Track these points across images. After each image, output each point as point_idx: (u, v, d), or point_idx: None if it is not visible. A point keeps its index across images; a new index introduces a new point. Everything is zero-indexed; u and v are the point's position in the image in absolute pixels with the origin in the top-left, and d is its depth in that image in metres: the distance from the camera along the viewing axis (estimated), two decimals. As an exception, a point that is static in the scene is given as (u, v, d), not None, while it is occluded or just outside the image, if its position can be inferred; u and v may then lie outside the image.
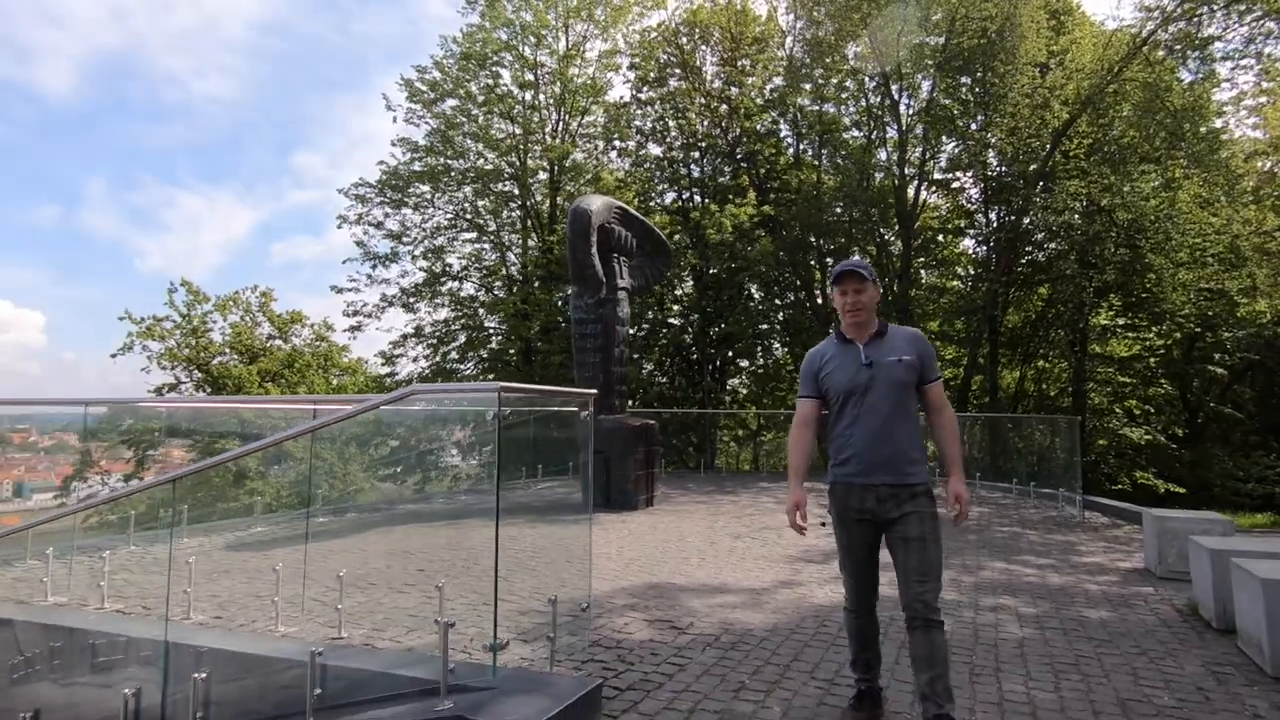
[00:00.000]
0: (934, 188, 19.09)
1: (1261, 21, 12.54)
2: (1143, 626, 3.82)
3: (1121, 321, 17.77)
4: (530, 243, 18.85)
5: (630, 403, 15.56)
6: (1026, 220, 15.65)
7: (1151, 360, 17.82)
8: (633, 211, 9.19)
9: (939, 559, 2.44)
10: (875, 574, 2.61)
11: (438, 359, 19.06)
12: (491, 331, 19.17)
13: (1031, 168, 15.92)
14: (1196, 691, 2.90)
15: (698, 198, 19.25)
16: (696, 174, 19.73)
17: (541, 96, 18.50)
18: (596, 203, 8.17)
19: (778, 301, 19.55)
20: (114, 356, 29.84)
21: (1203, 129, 14.44)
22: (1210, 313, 14.88)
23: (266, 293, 32.71)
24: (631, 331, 14.10)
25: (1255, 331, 15.97)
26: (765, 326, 19.01)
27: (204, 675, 2.99)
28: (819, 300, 18.67)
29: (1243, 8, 12.24)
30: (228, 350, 29.62)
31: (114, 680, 3.59)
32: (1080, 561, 5.51)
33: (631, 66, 19.73)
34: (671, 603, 4.27)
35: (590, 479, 3.97)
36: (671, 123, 19.52)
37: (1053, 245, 15.93)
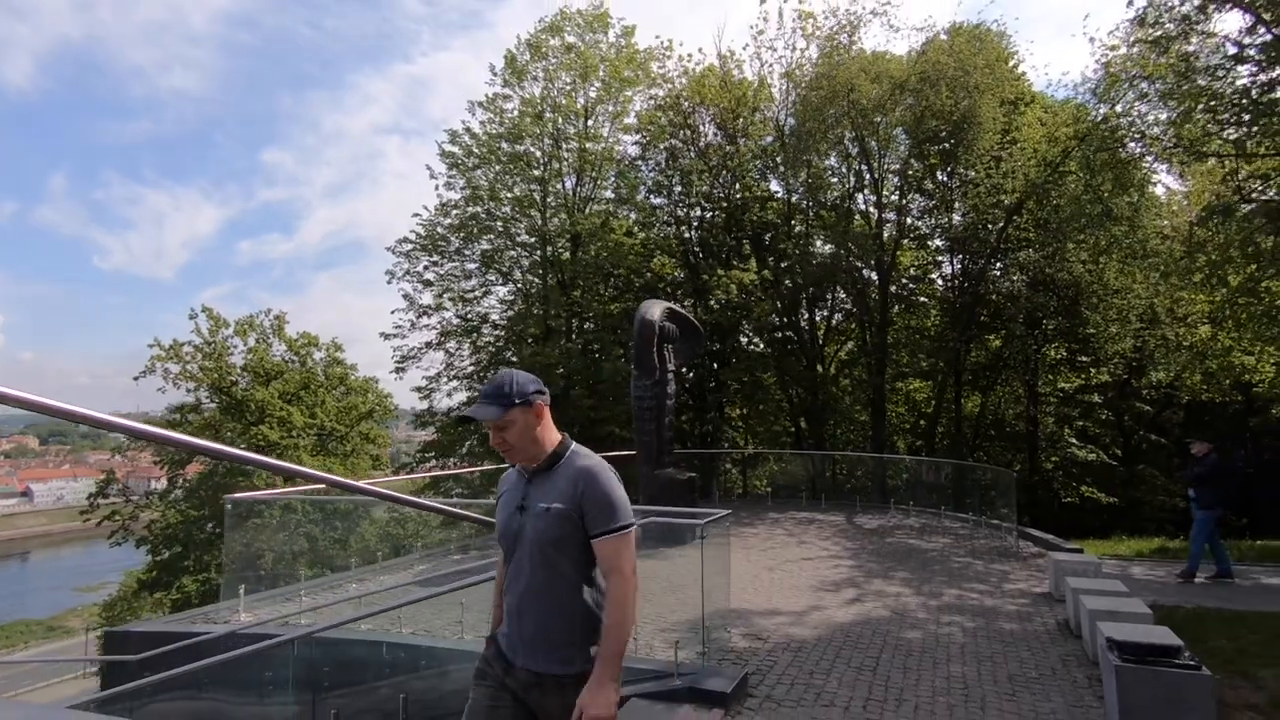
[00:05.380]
0: (909, 234, 21.88)
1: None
2: (1034, 633, 6.40)
3: (1065, 354, 20.85)
4: (549, 281, 21.19)
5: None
6: (980, 288, 18.51)
7: (1095, 397, 20.87)
8: (676, 308, 11.70)
9: None
10: None
11: (469, 390, 21.40)
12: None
13: (990, 237, 18.79)
14: (1052, 671, 5.46)
15: (699, 251, 21.85)
16: (699, 233, 22.28)
17: (560, 165, 20.97)
18: (656, 311, 10.66)
19: (772, 349, 22.18)
20: (136, 379, 31.58)
21: (1131, 200, 17.32)
22: (1135, 363, 17.85)
23: (280, 316, 34.66)
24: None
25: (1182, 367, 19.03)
26: (765, 375, 21.61)
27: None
28: (804, 327, 21.45)
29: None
30: (243, 374, 31.43)
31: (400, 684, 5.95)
32: (1008, 587, 8.12)
33: (638, 130, 22.24)
34: (748, 622, 6.75)
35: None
36: (678, 186, 22.08)
37: (1005, 310, 18.84)
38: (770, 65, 21.38)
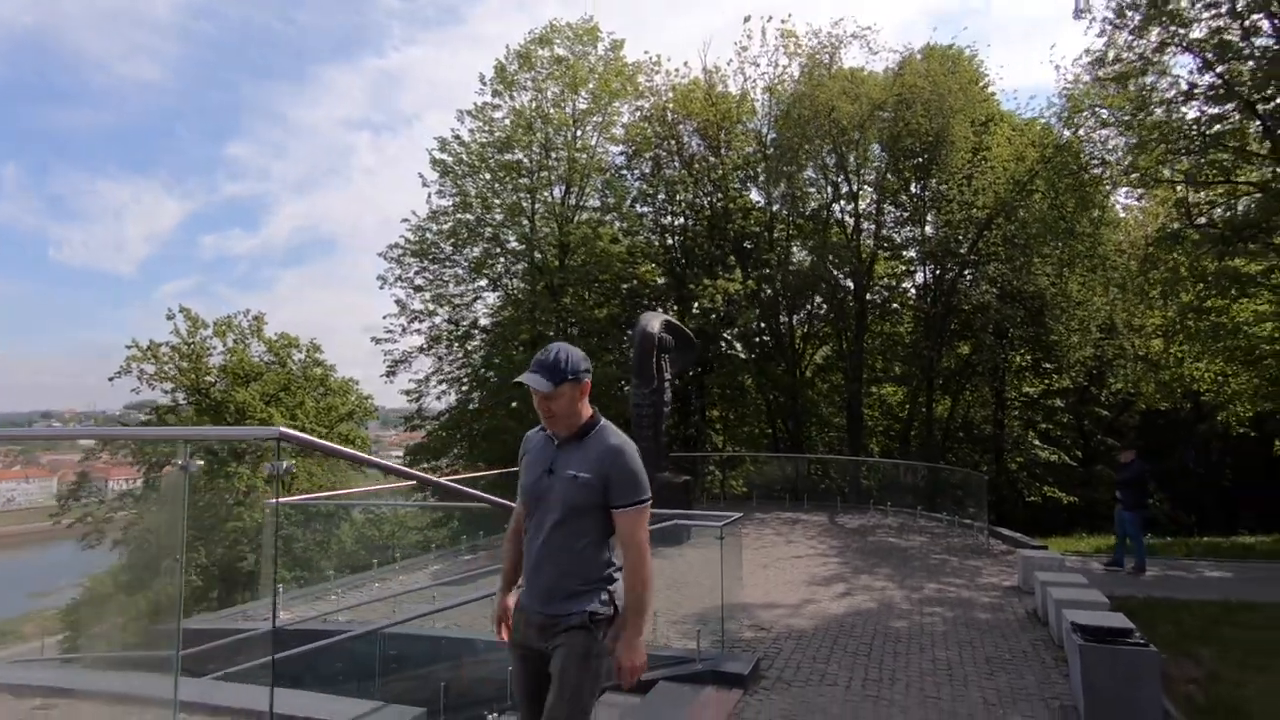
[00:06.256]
0: (884, 245, 22.81)
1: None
2: (1006, 622, 7.15)
3: (1030, 361, 21.98)
4: (538, 288, 21.68)
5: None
6: (953, 299, 19.50)
7: (1058, 401, 22.02)
8: (672, 320, 12.33)
9: (574, 713, 2.22)
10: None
11: (463, 397, 21.76)
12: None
13: (961, 250, 19.77)
14: (1023, 654, 6.19)
15: (683, 259, 22.53)
16: (682, 241, 22.94)
17: (549, 174, 21.47)
18: (656, 324, 11.28)
19: (753, 353, 22.95)
20: (111, 380, 31.30)
21: (1092, 217, 18.40)
22: (1095, 370, 18.97)
23: (259, 317, 34.44)
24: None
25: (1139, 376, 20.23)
26: (745, 379, 22.36)
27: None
28: (783, 333, 22.26)
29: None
30: (219, 375, 31.22)
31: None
32: (982, 581, 8.90)
33: (625, 140, 22.84)
34: (751, 614, 7.39)
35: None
36: (661, 195, 22.72)
37: (975, 320, 19.86)
38: (753, 80, 22.17)
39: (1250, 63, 11.98)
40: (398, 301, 21.58)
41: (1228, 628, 6.94)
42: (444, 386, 22.04)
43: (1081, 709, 4.70)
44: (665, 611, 6.86)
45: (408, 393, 22.64)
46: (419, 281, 21.51)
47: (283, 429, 2.20)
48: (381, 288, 21.88)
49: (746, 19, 26.51)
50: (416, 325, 21.68)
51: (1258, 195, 12.47)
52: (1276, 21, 11.68)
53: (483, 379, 21.82)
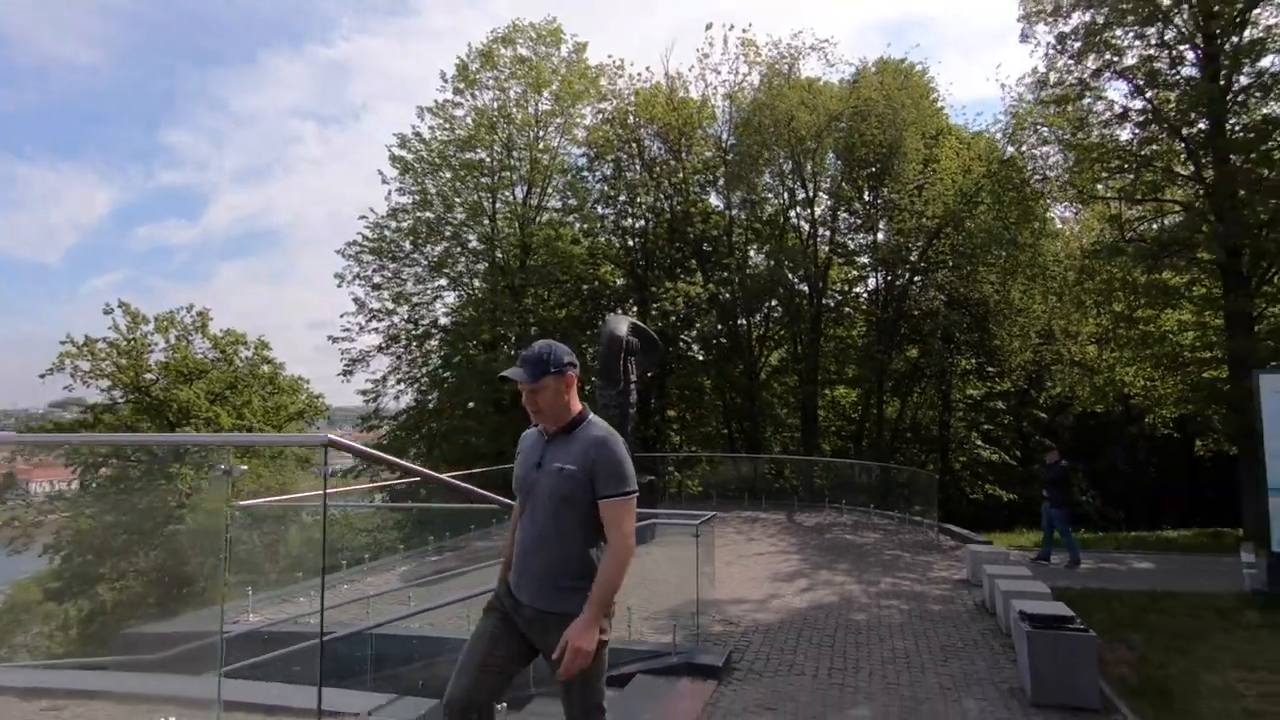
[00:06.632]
0: (838, 250, 23.51)
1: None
2: (957, 613, 7.60)
3: (975, 365, 22.98)
4: (499, 286, 21.63)
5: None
6: (904, 304, 20.30)
7: (999, 404, 23.07)
8: (638, 323, 12.55)
9: (592, 698, 2.37)
10: (495, 675, 2.38)
11: (421, 397, 21.55)
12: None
13: (912, 258, 20.58)
14: (974, 642, 6.62)
15: (643, 261, 22.80)
16: (643, 243, 23.21)
17: (511, 174, 21.46)
18: (624, 327, 11.47)
19: (711, 354, 23.37)
20: (42, 377, 29.96)
21: (1033, 229, 19.38)
22: (1034, 374, 19.99)
23: (203, 313, 33.29)
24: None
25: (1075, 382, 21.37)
26: (704, 379, 22.76)
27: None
28: (741, 335, 22.74)
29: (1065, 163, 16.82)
30: (160, 372, 30.11)
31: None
32: (933, 575, 9.39)
33: (587, 142, 22.97)
34: (719, 609, 7.66)
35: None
36: (622, 197, 22.94)
37: (924, 325, 20.71)
38: (714, 87, 22.60)
39: (1176, 90, 12.90)
40: (356, 300, 21.28)
41: (1154, 615, 7.54)
42: (401, 386, 21.81)
43: (1028, 690, 5.12)
44: (638, 608, 7.08)
45: (364, 392, 22.31)
46: (377, 280, 21.23)
47: (330, 436, 2.32)
48: (339, 285, 21.52)
49: (708, 27, 27.09)
50: (375, 324, 21.40)
51: (1182, 213, 13.40)
52: (1199, 53, 12.59)
53: (441, 379, 21.67)
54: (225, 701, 3.25)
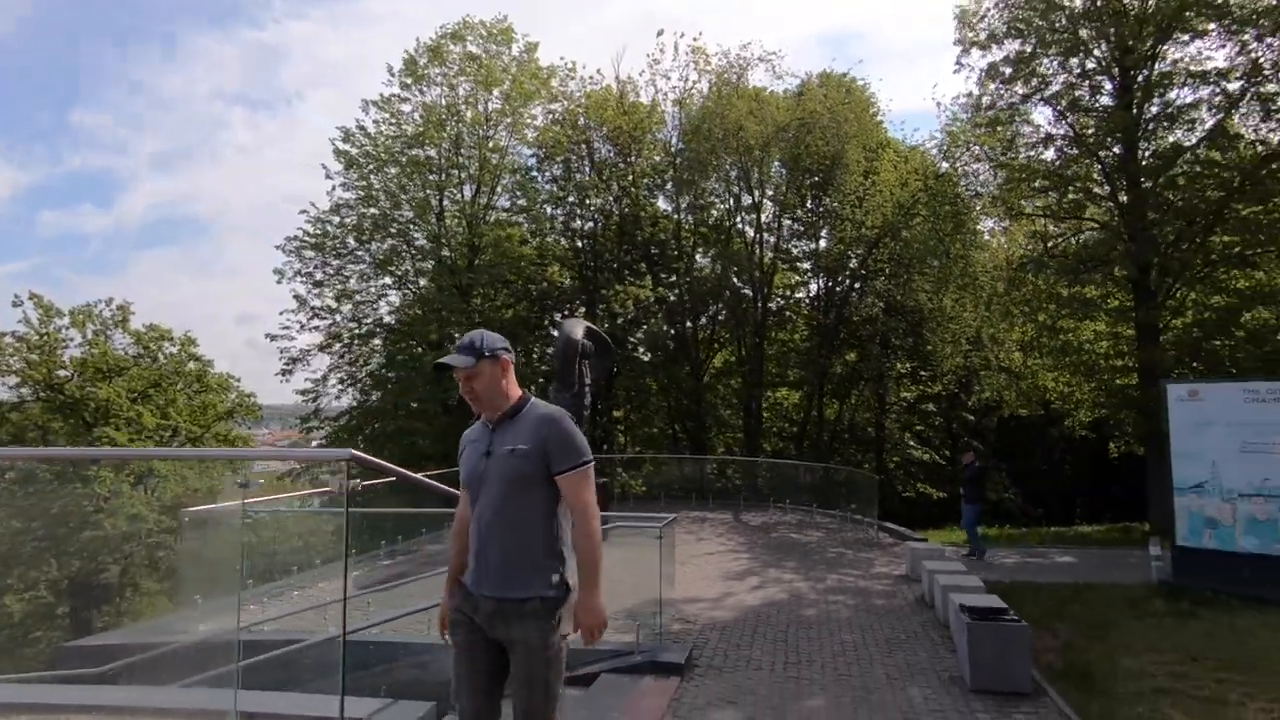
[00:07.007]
0: (782, 255, 24.17)
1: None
2: (899, 607, 8.05)
3: (909, 369, 24.04)
4: (444, 285, 21.34)
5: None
6: (845, 310, 21.08)
7: (931, 406, 24.18)
8: (594, 327, 12.68)
9: (548, 701, 2.24)
10: (485, 695, 2.32)
11: (362, 397, 21.07)
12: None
13: (852, 265, 21.38)
14: (915, 634, 7.04)
15: (593, 263, 22.92)
16: (591, 244, 23.32)
17: (460, 173, 21.24)
18: (579, 330, 11.59)
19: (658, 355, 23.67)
20: (-61, 373, 27.91)
21: (964, 240, 20.43)
22: (964, 378, 21.06)
23: (124, 306, 31.57)
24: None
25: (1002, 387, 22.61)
26: (650, 381, 23.03)
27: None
28: (687, 337, 23.15)
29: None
30: (76, 369, 28.51)
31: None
32: (875, 571, 9.87)
33: (537, 143, 22.94)
34: (675, 608, 7.88)
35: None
36: (571, 198, 23.00)
37: (863, 331, 21.56)
38: (664, 92, 22.90)
39: (1095, 117, 13.89)
40: (297, 297, 20.64)
41: (1075, 606, 8.16)
42: (342, 386, 21.26)
43: (967, 677, 5.51)
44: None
45: (304, 392, 21.65)
46: (319, 276, 20.65)
47: (354, 452, 2.39)
48: (279, 282, 20.82)
49: (660, 33, 27.36)
50: (317, 322, 20.80)
51: (1100, 232, 14.43)
52: (1115, 84, 13.60)
53: (384, 379, 21.23)
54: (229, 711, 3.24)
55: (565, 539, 2.37)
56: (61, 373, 27.71)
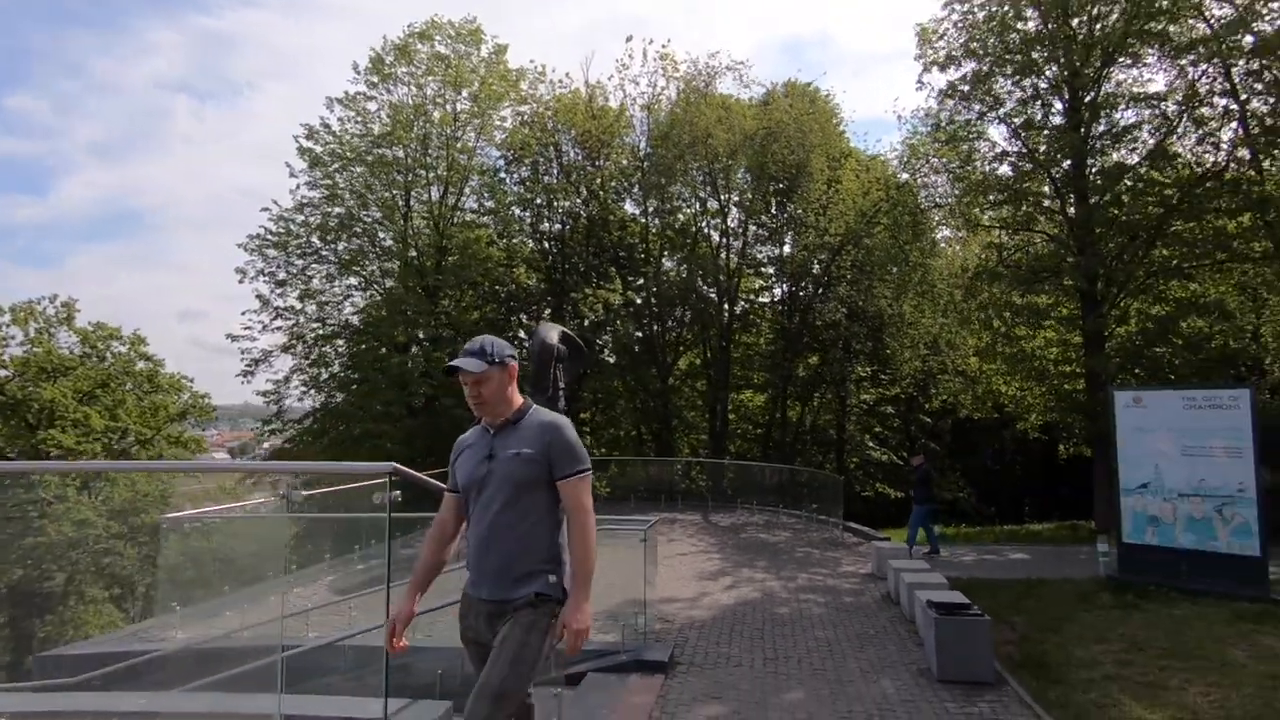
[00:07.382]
0: (748, 260, 24.60)
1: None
2: (866, 604, 8.41)
3: (869, 372, 24.74)
4: (410, 285, 21.16)
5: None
6: (809, 315, 21.63)
7: (889, 408, 24.91)
8: (568, 331, 12.81)
9: (510, 676, 2.21)
10: None
11: (325, 399, 20.76)
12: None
13: (815, 271, 21.93)
14: (883, 629, 7.39)
15: (562, 265, 23.01)
16: (559, 247, 23.41)
17: (428, 174, 21.11)
18: (554, 335, 11.67)
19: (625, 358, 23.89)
20: None
21: (922, 249, 21.14)
22: (921, 382, 21.81)
23: (69, 303, 30.45)
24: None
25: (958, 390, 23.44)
26: (617, 384, 23.23)
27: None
28: (655, 340, 23.41)
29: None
30: (18, 369, 27.47)
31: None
32: (842, 570, 10.25)
33: (505, 145, 22.92)
34: (655, 609, 8.09)
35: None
36: (539, 200, 23.04)
37: (826, 335, 22.15)
38: (633, 97, 23.13)
39: (1046, 134, 14.60)
40: (259, 296, 20.23)
41: (1030, 600, 8.63)
42: (305, 388, 20.92)
43: (934, 669, 5.86)
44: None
45: (265, 394, 21.23)
46: (282, 276, 20.27)
47: (396, 465, 2.51)
48: (241, 282, 20.37)
49: (629, 39, 27.67)
50: (279, 322, 20.41)
51: (1050, 244, 15.15)
52: (1065, 104, 14.32)
53: (348, 381, 20.97)
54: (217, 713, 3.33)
55: (563, 543, 2.43)
56: (1, 372, 26.62)
